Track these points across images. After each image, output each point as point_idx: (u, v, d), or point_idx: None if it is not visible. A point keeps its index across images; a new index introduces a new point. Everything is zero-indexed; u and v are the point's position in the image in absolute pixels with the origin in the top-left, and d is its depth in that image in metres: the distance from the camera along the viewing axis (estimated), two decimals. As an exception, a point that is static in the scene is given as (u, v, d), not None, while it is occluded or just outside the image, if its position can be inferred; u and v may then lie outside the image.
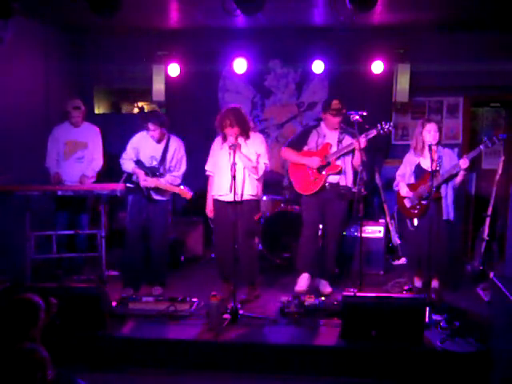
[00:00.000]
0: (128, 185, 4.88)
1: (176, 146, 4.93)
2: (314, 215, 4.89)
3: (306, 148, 4.93)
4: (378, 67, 6.22)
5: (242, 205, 4.56)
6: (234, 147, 4.35)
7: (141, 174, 4.82)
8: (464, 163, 4.36)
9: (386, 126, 4.67)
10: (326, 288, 4.91)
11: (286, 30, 6.21)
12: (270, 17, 5.57)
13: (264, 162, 4.66)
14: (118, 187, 4.89)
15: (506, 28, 5.95)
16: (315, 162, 4.81)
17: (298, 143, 4.97)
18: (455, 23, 6.02)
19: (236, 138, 4.50)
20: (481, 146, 4.38)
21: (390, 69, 6.28)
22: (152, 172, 4.83)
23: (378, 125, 4.69)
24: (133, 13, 5.31)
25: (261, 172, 4.65)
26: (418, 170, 4.67)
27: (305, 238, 4.93)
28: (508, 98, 6.61)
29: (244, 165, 4.56)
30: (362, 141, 4.59)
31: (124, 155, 4.94)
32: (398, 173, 4.86)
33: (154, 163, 4.87)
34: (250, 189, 4.64)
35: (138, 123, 4.96)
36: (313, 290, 4.89)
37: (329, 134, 4.88)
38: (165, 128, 4.86)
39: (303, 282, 4.89)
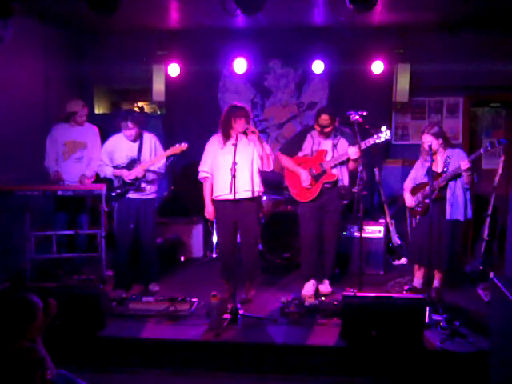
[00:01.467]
0: (112, 194, 4.88)
1: (150, 138, 4.99)
2: (313, 224, 4.81)
3: (300, 153, 4.85)
4: (377, 67, 6.22)
5: (253, 201, 4.60)
6: (255, 133, 4.44)
7: (123, 171, 4.84)
8: (464, 165, 4.38)
9: (383, 135, 4.55)
10: (327, 288, 4.90)
11: (286, 30, 6.21)
12: (270, 17, 5.58)
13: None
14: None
15: (506, 28, 5.95)
16: (305, 179, 4.73)
17: (293, 148, 4.88)
18: (455, 23, 6.02)
19: (245, 130, 4.49)
20: (481, 150, 4.41)
21: (390, 69, 6.28)
22: (132, 164, 4.86)
23: (375, 135, 4.57)
24: (133, 13, 5.32)
25: (272, 166, 4.67)
26: (430, 173, 4.67)
27: (306, 248, 4.88)
28: (508, 98, 6.62)
29: (264, 152, 4.54)
30: (355, 151, 4.50)
31: (100, 162, 4.97)
32: (410, 176, 4.89)
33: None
34: (258, 185, 4.66)
35: (115, 124, 4.92)
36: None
37: (323, 140, 4.79)
38: (139, 126, 4.90)
39: (310, 287, 4.86)
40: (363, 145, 4.54)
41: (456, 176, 4.51)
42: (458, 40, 6.28)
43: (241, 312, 4.24)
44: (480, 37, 6.18)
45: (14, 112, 5.40)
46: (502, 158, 5.38)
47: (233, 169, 4.26)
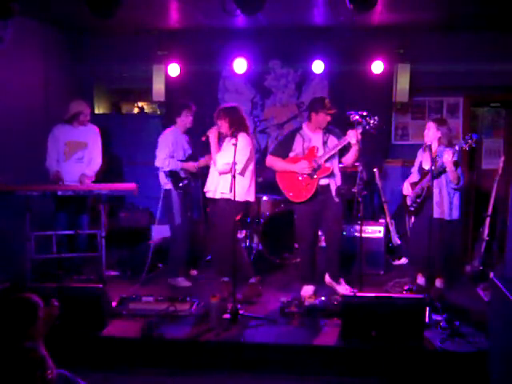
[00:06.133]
0: (180, 184, 5.05)
1: None
2: (309, 227, 4.79)
3: (291, 154, 4.79)
4: (377, 67, 6.22)
5: (218, 202, 4.72)
6: (210, 132, 4.73)
7: (189, 164, 5.11)
8: (448, 155, 4.34)
9: (372, 121, 4.47)
10: (344, 288, 4.81)
11: (286, 30, 6.21)
12: (270, 17, 5.58)
13: (226, 162, 4.55)
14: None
15: (506, 28, 5.95)
16: (305, 166, 4.66)
17: (284, 149, 4.82)
18: (455, 23, 6.02)
19: (217, 130, 4.74)
20: (456, 147, 4.40)
21: (390, 69, 6.28)
22: (193, 158, 5.19)
23: (363, 120, 4.47)
24: (133, 13, 5.31)
25: (219, 167, 4.66)
26: (420, 170, 4.72)
27: (304, 252, 4.86)
28: (508, 98, 6.61)
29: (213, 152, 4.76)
30: (358, 133, 4.42)
31: (163, 155, 5.04)
32: (412, 169, 4.94)
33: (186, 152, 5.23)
34: (223, 186, 4.67)
35: (176, 112, 5.31)
36: (330, 292, 4.84)
37: (313, 137, 4.76)
38: None
39: (309, 289, 4.84)
40: (355, 131, 4.46)
41: (441, 172, 4.51)
42: (458, 40, 6.28)
43: (241, 312, 4.24)
44: (480, 37, 6.18)
45: (14, 112, 5.39)
46: (502, 158, 5.39)
47: (233, 169, 4.28)
